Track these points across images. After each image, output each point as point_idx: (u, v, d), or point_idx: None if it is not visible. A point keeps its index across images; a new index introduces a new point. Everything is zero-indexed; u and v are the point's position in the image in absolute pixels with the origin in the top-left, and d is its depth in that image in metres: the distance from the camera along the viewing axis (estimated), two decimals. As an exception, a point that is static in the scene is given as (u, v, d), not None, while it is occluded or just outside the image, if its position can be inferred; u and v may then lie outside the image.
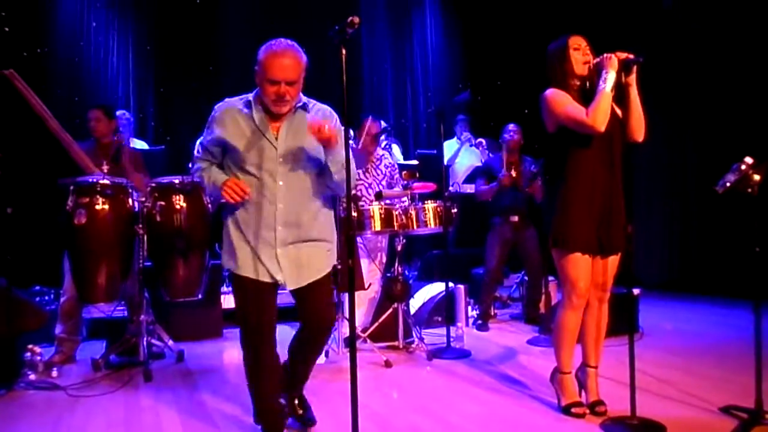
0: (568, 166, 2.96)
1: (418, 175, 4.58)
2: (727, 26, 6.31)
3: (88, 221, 3.68)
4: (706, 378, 3.57)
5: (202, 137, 2.68)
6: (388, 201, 4.31)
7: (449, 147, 6.85)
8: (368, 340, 4.25)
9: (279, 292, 2.66)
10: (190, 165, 5.71)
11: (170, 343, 4.25)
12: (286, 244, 2.54)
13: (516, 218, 5.18)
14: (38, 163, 5.63)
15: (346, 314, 4.18)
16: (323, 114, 2.63)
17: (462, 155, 6.91)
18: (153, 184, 3.95)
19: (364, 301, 4.59)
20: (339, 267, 3.68)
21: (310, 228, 2.59)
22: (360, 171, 4.64)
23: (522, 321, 5.45)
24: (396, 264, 4.37)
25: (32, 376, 3.74)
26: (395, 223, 4.21)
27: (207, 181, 2.58)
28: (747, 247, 2.94)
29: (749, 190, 2.87)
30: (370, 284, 4.54)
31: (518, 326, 5.30)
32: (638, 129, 2.96)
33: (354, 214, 4.06)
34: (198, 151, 2.69)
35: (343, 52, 2.24)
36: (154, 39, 7.48)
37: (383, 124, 4.83)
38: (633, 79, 2.87)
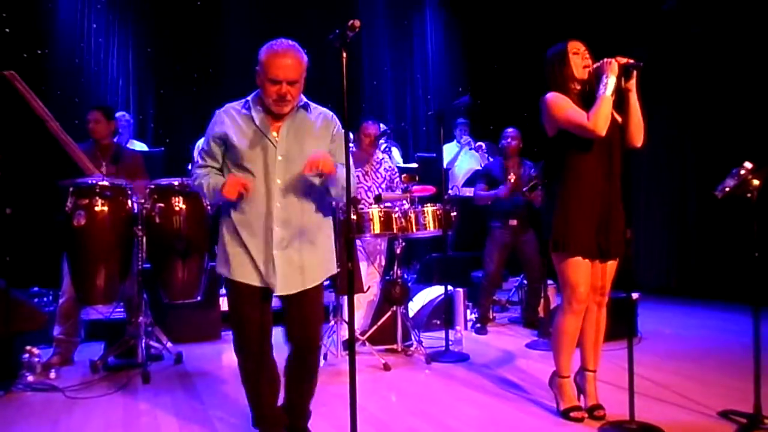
0: (567, 170, 2.96)
1: (417, 178, 4.58)
2: (728, 30, 6.32)
3: (88, 223, 3.67)
4: (704, 382, 3.57)
5: (201, 143, 2.65)
6: (387, 204, 4.31)
7: (449, 150, 6.86)
8: (367, 343, 4.25)
9: (274, 296, 2.62)
10: (189, 167, 5.75)
11: (169, 345, 4.25)
12: (283, 247, 2.50)
13: (515, 222, 5.18)
14: (38, 164, 5.62)
15: (345, 317, 4.18)
16: (324, 117, 2.62)
17: (461, 159, 6.92)
18: (152, 186, 3.95)
19: (363, 304, 4.59)
20: (338, 270, 3.68)
21: (309, 230, 2.56)
22: (359, 174, 4.64)
23: (521, 325, 5.45)
24: (395, 267, 4.37)
25: (30, 378, 3.73)
26: (394, 226, 4.21)
27: (207, 189, 2.55)
28: (746, 252, 2.95)
29: (748, 194, 2.88)
30: (369, 287, 4.54)
31: (517, 330, 5.30)
32: (637, 134, 2.97)
33: (353, 217, 4.06)
34: (197, 160, 2.66)
35: (344, 55, 2.24)
36: (154, 41, 7.48)
37: (383, 126, 4.83)
38: (633, 84, 2.88)
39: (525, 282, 5.52)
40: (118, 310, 4.43)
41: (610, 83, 2.83)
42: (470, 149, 6.86)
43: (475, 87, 8.39)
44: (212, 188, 2.52)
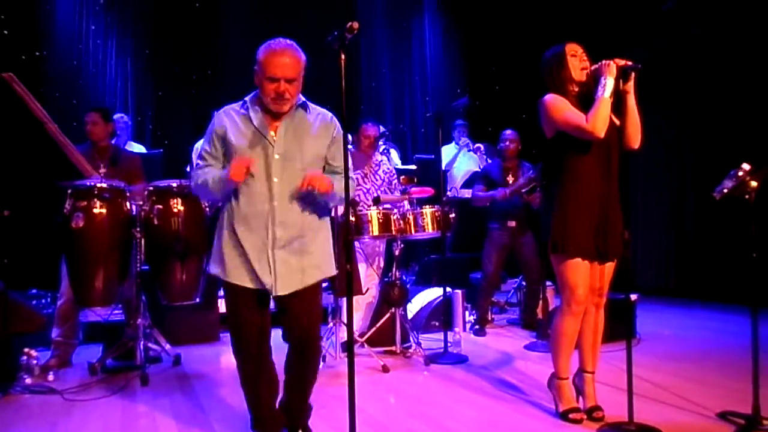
0: (566, 171, 2.97)
1: (416, 180, 4.58)
2: (727, 30, 6.33)
3: (86, 225, 3.67)
4: (703, 384, 3.58)
5: (200, 145, 2.64)
6: (386, 206, 4.31)
7: (447, 152, 6.86)
8: (366, 345, 4.25)
9: (272, 297, 2.61)
10: (188, 169, 5.75)
11: (167, 347, 4.24)
12: (280, 247, 2.49)
13: (513, 223, 5.18)
14: (36, 166, 5.62)
15: (344, 319, 4.18)
16: (323, 118, 2.62)
17: (460, 160, 6.92)
18: (151, 188, 3.94)
19: (361, 305, 4.59)
20: (337, 272, 3.68)
21: (307, 229, 2.56)
22: (359, 176, 4.64)
23: (519, 326, 5.45)
24: (394, 269, 4.37)
25: (28, 380, 3.73)
26: (393, 228, 4.21)
27: (213, 181, 2.50)
28: (744, 253, 2.95)
29: (746, 196, 2.89)
30: (368, 289, 4.54)
31: (515, 331, 5.30)
32: (635, 136, 2.98)
33: (352, 218, 4.06)
34: (197, 162, 2.64)
35: (342, 57, 2.24)
36: (152, 42, 7.48)
37: (381, 128, 4.83)
38: (631, 86, 2.88)
39: (523, 283, 5.52)
40: (117, 312, 4.43)
41: (608, 85, 2.84)
42: (469, 151, 6.86)
43: (473, 88, 8.39)
44: (218, 178, 2.49)
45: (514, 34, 8.18)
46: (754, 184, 2.87)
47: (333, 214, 3.74)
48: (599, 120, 2.82)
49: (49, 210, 4.16)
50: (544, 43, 3.18)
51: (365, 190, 4.67)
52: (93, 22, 7.21)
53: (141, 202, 3.89)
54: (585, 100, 2.94)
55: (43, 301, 5.18)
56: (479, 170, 6.05)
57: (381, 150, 5.21)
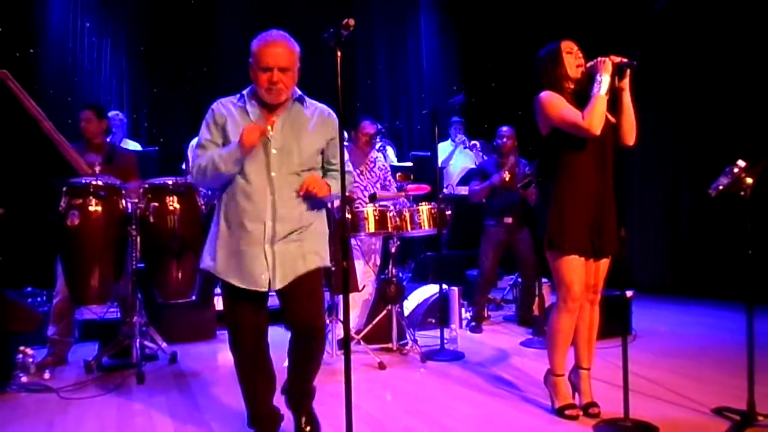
0: (561, 168, 2.97)
1: (412, 177, 4.58)
2: (720, 29, 6.34)
3: (81, 222, 3.66)
4: (698, 380, 3.59)
5: (195, 142, 2.61)
6: (382, 203, 4.31)
7: (443, 149, 6.86)
8: (362, 342, 4.25)
9: (270, 294, 2.59)
10: (183, 167, 5.74)
11: (163, 344, 4.24)
12: (276, 241, 2.47)
13: (510, 220, 5.18)
14: (31, 164, 5.60)
15: (341, 316, 4.18)
16: (320, 113, 2.60)
17: (456, 157, 6.92)
18: (146, 186, 3.93)
19: (358, 302, 4.59)
20: (333, 269, 3.68)
21: (304, 222, 2.54)
22: (355, 173, 4.64)
23: (515, 323, 5.46)
24: (390, 266, 4.38)
25: (24, 378, 3.72)
26: (389, 225, 4.21)
27: (219, 158, 2.43)
28: (739, 250, 2.96)
29: (742, 193, 2.89)
30: (364, 286, 4.54)
31: (512, 328, 5.31)
32: (630, 133, 2.99)
33: (348, 216, 4.06)
34: (196, 152, 2.58)
35: (338, 54, 2.24)
36: (147, 40, 7.46)
37: (378, 126, 4.83)
38: (626, 83, 2.89)
39: (519, 280, 5.53)
40: (113, 310, 4.42)
41: (604, 82, 2.84)
42: (465, 148, 6.87)
43: (469, 85, 8.41)
44: (225, 153, 2.43)
45: (510, 32, 8.19)
46: (749, 180, 2.88)
47: (330, 207, 3.73)
48: (595, 117, 2.82)
49: (44, 208, 4.15)
50: (540, 40, 3.18)
51: (362, 188, 4.67)
52: (88, 20, 7.20)
53: (137, 200, 3.89)
54: (580, 97, 2.94)
55: (39, 299, 5.18)
56: (475, 167, 6.04)
57: (377, 147, 5.20)
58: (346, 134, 4.53)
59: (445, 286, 4.76)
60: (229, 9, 7.78)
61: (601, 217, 2.95)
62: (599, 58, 2.88)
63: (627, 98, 2.92)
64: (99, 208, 3.71)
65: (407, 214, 4.31)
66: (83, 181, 3.75)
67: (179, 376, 3.95)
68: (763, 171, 2.88)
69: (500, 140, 5.25)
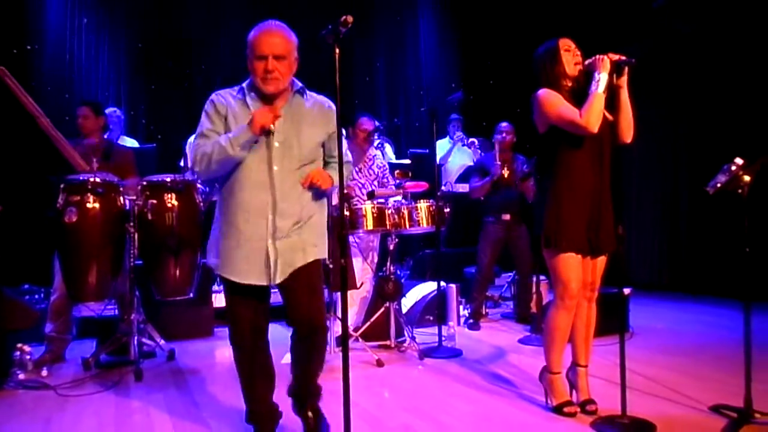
0: (558, 166, 2.97)
1: (410, 174, 4.58)
2: (719, 27, 6.34)
3: (79, 219, 3.65)
4: (696, 377, 3.60)
5: (197, 130, 2.55)
6: (380, 200, 4.31)
7: (441, 146, 6.86)
8: (360, 340, 4.25)
9: (273, 290, 2.59)
10: (181, 164, 5.73)
11: (161, 342, 4.24)
12: (277, 236, 2.46)
13: (508, 216, 5.18)
14: (28, 160, 5.60)
15: (339, 313, 4.18)
16: (321, 105, 2.57)
17: (454, 155, 6.92)
18: (144, 183, 3.93)
19: (356, 300, 4.59)
20: (331, 266, 3.68)
21: (306, 215, 2.53)
22: (354, 170, 4.63)
23: (513, 320, 5.46)
24: (388, 263, 4.38)
25: (22, 376, 3.71)
26: (387, 222, 4.21)
27: (226, 143, 2.37)
28: (737, 248, 2.96)
29: (739, 190, 2.89)
30: (362, 283, 4.54)
31: (510, 325, 5.32)
32: (627, 130, 2.99)
33: (346, 213, 4.06)
34: (197, 143, 2.51)
35: (337, 51, 2.23)
36: (145, 36, 7.44)
37: (376, 123, 4.83)
38: (624, 80, 2.89)
39: (517, 277, 5.53)
40: (110, 307, 4.42)
41: (602, 80, 2.84)
42: (463, 145, 6.87)
43: (468, 83, 8.40)
44: (233, 136, 2.38)
45: (508, 29, 8.19)
46: (747, 178, 2.88)
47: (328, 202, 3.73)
48: (593, 115, 2.82)
49: (41, 205, 4.15)
50: (538, 38, 3.18)
51: (360, 185, 4.66)
52: (85, 16, 7.17)
53: (134, 197, 3.88)
54: (578, 95, 2.94)
55: (37, 296, 5.18)
56: (473, 164, 6.04)
57: (375, 144, 5.20)
58: (344, 132, 4.52)
59: (443, 284, 4.76)
60: (227, 6, 7.76)
61: (599, 215, 2.95)
62: (597, 56, 2.88)
63: (625, 96, 2.92)
64: (97, 205, 3.69)
65: (405, 212, 4.31)
66: (81, 178, 3.74)
67: (177, 374, 3.95)
68: (761, 169, 2.88)
69: (500, 135, 5.25)
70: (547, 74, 3.02)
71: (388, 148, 6.86)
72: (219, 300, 5.05)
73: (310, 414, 2.68)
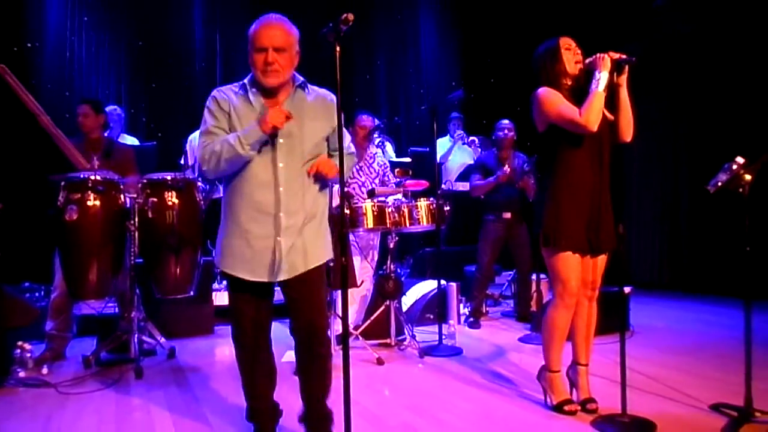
0: (558, 165, 2.97)
1: (410, 172, 4.58)
2: (720, 26, 6.34)
3: (80, 217, 3.65)
4: (696, 376, 3.60)
5: (194, 137, 2.55)
6: (380, 198, 4.31)
7: (442, 145, 6.85)
8: (360, 338, 4.25)
9: (276, 288, 2.57)
10: (181, 162, 5.73)
11: (162, 340, 4.24)
12: (286, 234, 2.43)
13: (508, 215, 5.18)
14: (29, 158, 5.60)
15: (339, 312, 4.18)
16: (323, 99, 2.55)
17: (455, 153, 6.91)
18: (145, 181, 3.92)
19: (356, 298, 4.59)
20: (332, 264, 3.68)
21: (311, 212, 2.51)
22: (354, 169, 4.63)
23: (513, 318, 5.46)
24: (388, 261, 4.38)
25: (22, 374, 3.72)
26: (388, 221, 4.21)
27: (235, 141, 2.33)
28: (738, 246, 2.96)
29: (740, 189, 2.89)
30: (362, 282, 4.54)
31: (510, 324, 5.32)
32: (627, 129, 2.99)
33: (347, 211, 4.06)
34: (202, 141, 2.46)
35: (338, 49, 2.22)
36: (146, 34, 7.43)
37: (376, 121, 4.83)
38: (624, 79, 2.89)
39: (518, 276, 5.53)
40: (111, 305, 4.41)
41: (602, 79, 2.84)
42: (463, 144, 6.86)
43: (468, 81, 8.39)
44: (243, 135, 2.35)
45: (509, 28, 8.18)
46: (748, 177, 2.87)
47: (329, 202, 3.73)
48: (593, 114, 2.82)
49: (42, 203, 4.14)
50: (539, 36, 3.18)
51: (360, 183, 4.66)
52: (86, 14, 7.16)
53: (135, 195, 3.88)
54: (578, 93, 2.94)
55: (37, 294, 5.17)
56: (474, 162, 6.04)
57: (376, 143, 5.19)
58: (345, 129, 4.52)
59: (443, 282, 4.76)
60: (228, 3, 7.75)
61: (598, 214, 2.95)
62: (598, 54, 2.88)
63: (624, 95, 2.92)
64: (97, 203, 3.69)
65: (406, 210, 4.31)
66: (81, 176, 3.74)
67: (177, 371, 3.95)
68: (762, 168, 2.88)
69: (500, 133, 5.24)
70: (547, 73, 3.02)
71: (389, 147, 6.85)
72: (219, 298, 5.06)
73: None
